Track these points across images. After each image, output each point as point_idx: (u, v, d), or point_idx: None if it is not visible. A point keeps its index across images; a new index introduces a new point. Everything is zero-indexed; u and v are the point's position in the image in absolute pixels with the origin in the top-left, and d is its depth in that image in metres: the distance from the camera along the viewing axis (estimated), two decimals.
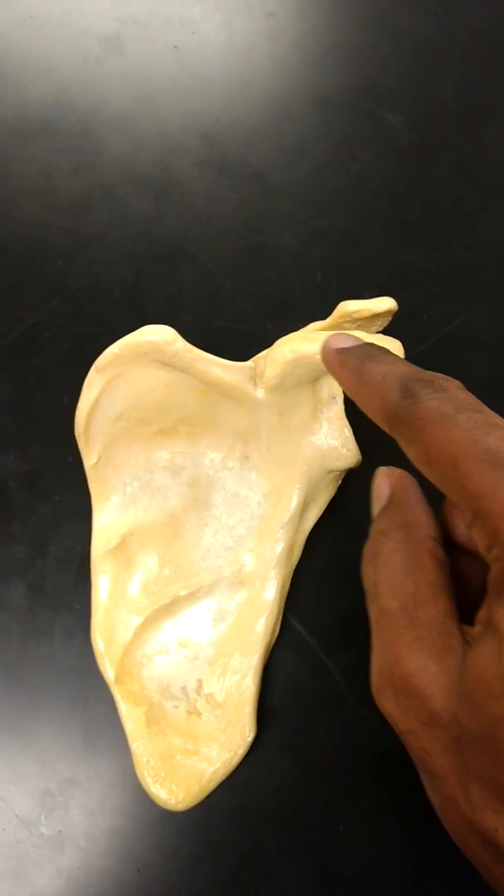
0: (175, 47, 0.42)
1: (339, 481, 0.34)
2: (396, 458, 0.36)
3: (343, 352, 0.26)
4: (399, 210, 0.40)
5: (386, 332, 0.31)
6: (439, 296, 0.38)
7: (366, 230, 0.39)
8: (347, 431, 0.32)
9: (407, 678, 0.20)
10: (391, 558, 0.23)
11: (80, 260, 0.38)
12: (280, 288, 0.38)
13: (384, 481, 0.25)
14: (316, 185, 0.40)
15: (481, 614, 0.22)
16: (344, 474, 0.33)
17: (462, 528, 0.25)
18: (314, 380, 0.31)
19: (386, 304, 0.31)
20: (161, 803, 0.31)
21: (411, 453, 0.22)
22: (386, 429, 0.23)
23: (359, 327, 0.31)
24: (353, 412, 0.32)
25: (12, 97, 0.41)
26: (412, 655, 0.21)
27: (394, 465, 0.34)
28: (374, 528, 0.24)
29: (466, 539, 0.25)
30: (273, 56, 0.42)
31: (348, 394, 0.26)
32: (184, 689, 0.32)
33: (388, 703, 0.21)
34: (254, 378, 0.31)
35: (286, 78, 0.41)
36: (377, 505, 0.25)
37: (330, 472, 0.32)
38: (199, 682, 0.32)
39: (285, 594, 0.33)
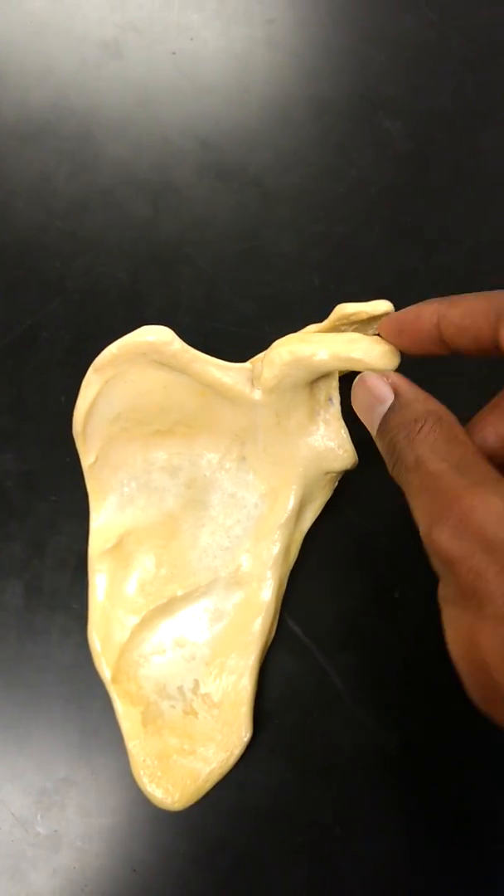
0: (173, 53, 0.42)
1: (336, 483, 0.34)
2: None
3: None
4: (396, 215, 0.40)
5: None
6: None
7: (363, 235, 0.40)
8: (344, 433, 0.32)
9: (467, 513, 0.22)
10: (430, 436, 0.24)
11: (78, 262, 0.39)
12: (277, 291, 0.39)
13: (377, 383, 0.27)
14: (314, 190, 0.40)
15: None
16: (340, 476, 0.34)
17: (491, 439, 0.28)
18: (311, 381, 0.31)
19: (382, 306, 0.31)
20: (157, 803, 0.31)
21: None
22: None
23: (356, 330, 0.32)
24: (350, 414, 0.33)
25: (12, 100, 0.41)
26: (472, 496, 0.22)
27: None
28: (399, 419, 0.25)
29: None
30: (271, 62, 0.42)
31: None
32: (180, 688, 0.32)
33: (441, 537, 0.22)
34: (251, 379, 0.32)
35: (284, 84, 0.42)
36: (378, 406, 0.26)
37: (326, 473, 0.33)
38: (196, 682, 0.32)
39: (282, 595, 0.33)
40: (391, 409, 0.26)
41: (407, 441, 0.24)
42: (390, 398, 0.26)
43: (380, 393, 0.26)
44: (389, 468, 0.25)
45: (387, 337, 0.30)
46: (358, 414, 0.28)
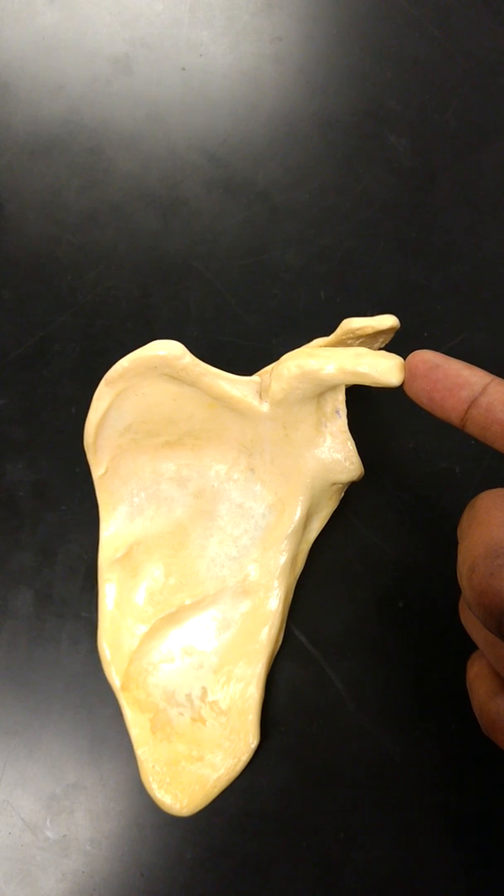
0: (183, 69, 0.43)
1: (342, 494, 0.34)
2: (398, 472, 0.37)
3: None
4: (401, 230, 0.41)
5: (388, 349, 0.32)
6: (440, 314, 0.39)
7: (368, 249, 0.40)
8: (350, 445, 0.33)
9: None
10: None
11: (88, 275, 0.39)
12: (284, 304, 0.39)
13: None
14: (320, 204, 0.41)
15: None
16: (346, 487, 0.34)
17: None
18: (318, 394, 0.32)
19: (388, 321, 0.31)
20: (166, 809, 0.31)
21: None
22: None
23: (361, 344, 0.32)
24: (356, 426, 0.33)
25: (24, 115, 0.42)
26: None
27: (397, 478, 0.35)
28: None
29: None
30: (279, 79, 0.43)
31: None
32: (188, 696, 0.33)
33: None
34: (259, 392, 0.32)
35: (292, 100, 0.42)
36: None
37: (333, 484, 0.33)
38: (204, 690, 0.33)
39: (288, 604, 0.34)
40: None
41: None
42: None
43: None
44: None
45: (413, 379, 0.27)
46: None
